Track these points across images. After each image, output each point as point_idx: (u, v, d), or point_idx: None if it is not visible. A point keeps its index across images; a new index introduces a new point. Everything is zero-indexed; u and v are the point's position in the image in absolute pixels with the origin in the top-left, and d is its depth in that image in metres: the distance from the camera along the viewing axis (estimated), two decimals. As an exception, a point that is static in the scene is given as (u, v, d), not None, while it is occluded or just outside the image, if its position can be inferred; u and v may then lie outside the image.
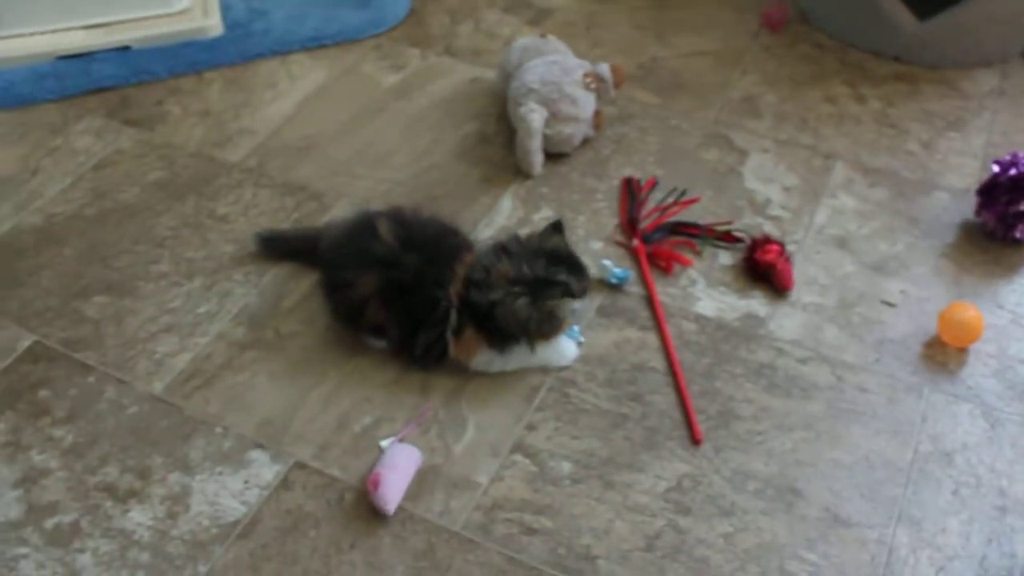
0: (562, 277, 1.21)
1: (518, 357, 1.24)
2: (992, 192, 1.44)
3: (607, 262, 1.38)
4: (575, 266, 1.22)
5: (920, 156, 1.62)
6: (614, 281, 1.37)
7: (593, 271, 1.34)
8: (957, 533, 1.11)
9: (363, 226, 1.26)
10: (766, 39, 1.89)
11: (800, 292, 1.38)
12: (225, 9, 1.91)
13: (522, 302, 1.18)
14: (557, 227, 1.25)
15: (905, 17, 1.81)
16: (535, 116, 1.51)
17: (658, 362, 1.29)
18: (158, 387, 1.26)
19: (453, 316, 1.20)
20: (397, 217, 1.27)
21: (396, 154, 1.61)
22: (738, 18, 1.95)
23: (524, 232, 1.28)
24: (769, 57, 1.84)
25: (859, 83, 1.78)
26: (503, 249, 1.22)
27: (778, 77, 1.79)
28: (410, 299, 1.21)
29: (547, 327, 1.21)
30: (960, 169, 1.58)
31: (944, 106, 1.74)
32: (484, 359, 1.24)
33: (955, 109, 1.73)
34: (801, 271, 1.40)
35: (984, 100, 1.76)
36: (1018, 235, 1.44)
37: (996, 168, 1.45)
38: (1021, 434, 1.21)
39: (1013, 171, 1.43)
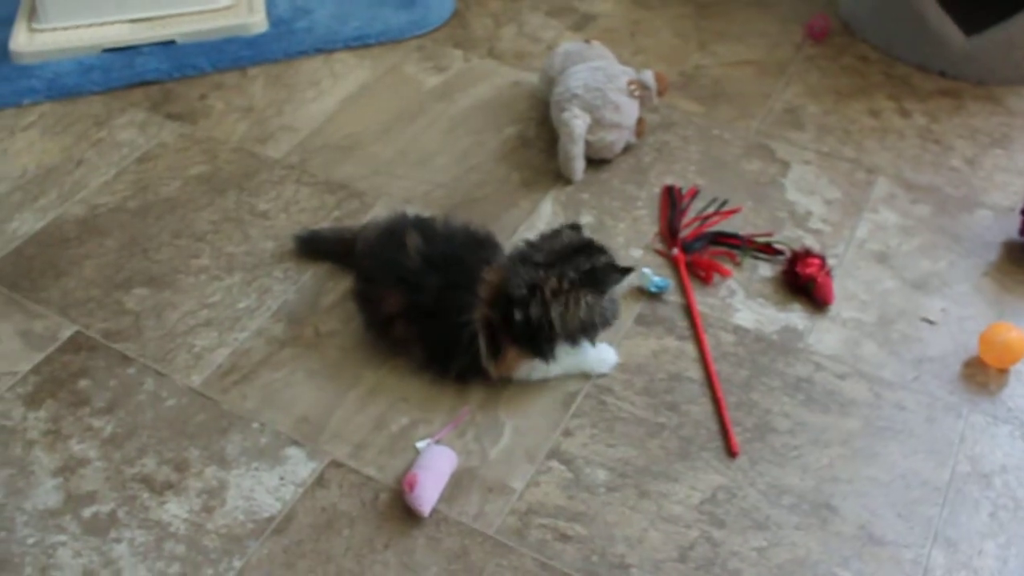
0: (604, 259, 1.21)
1: (562, 364, 1.24)
2: (1036, 212, 1.43)
3: (647, 270, 1.37)
4: (601, 249, 1.22)
5: (964, 173, 1.61)
6: (653, 290, 1.36)
7: (632, 279, 1.33)
8: (994, 556, 1.10)
9: (394, 236, 1.26)
10: (810, 50, 1.88)
11: (840, 307, 1.37)
12: (270, 6, 1.92)
13: (588, 301, 1.18)
14: (575, 227, 1.25)
15: (952, 31, 1.79)
16: (578, 122, 1.51)
17: (695, 372, 1.28)
18: (196, 380, 1.27)
19: (482, 342, 1.19)
20: (427, 228, 1.27)
21: (437, 155, 1.61)
22: (781, 28, 1.94)
23: (533, 236, 1.27)
24: (812, 68, 1.83)
25: (904, 97, 1.77)
26: (530, 259, 1.20)
27: (821, 89, 1.78)
28: (434, 323, 1.21)
29: (612, 313, 1.21)
30: (1005, 187, 1.57)
31: (990, 123, 1.72)
32: (527, 369, 1.24)
33: (1001, 126, 1.72)
34: (841, 286, 1.40)
35: (1030, 118, 1.74)
36: (1062, 256, 1.42)
37: (1042, 188, 1.43)
38: (1061, 458, 1.20)
39: (1059, 191, 1.41)
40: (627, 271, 1.21)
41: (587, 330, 1.20)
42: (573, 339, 1.19)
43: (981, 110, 1.75)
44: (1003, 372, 1.30)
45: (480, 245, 1.27)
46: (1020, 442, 1.22)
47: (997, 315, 1.37)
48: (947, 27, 1.79)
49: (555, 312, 1.17)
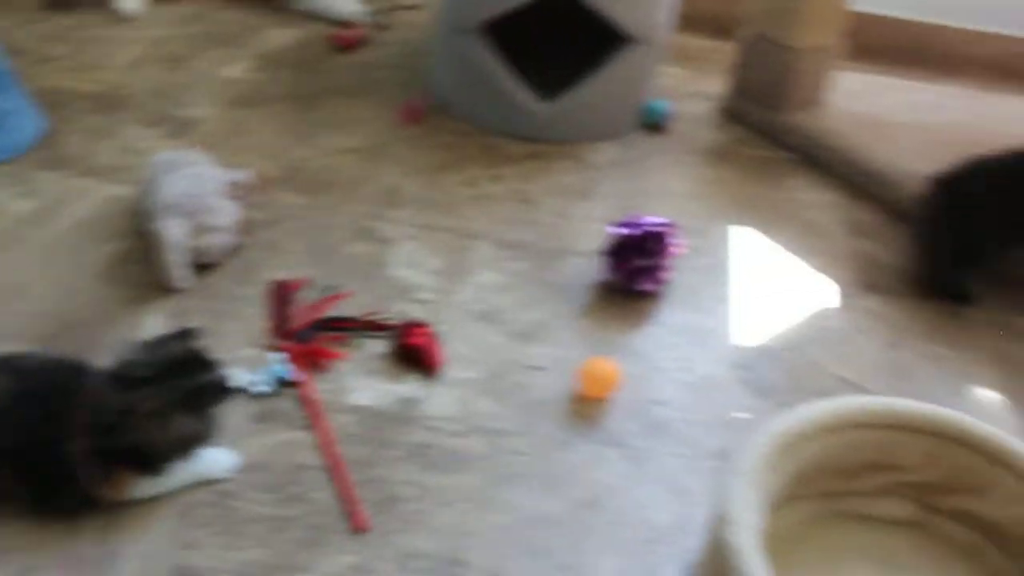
0: (208, 376, 1.19)
1: (177, 476, 1.21)
2: (615, 252, 1.56)
3: (264, 368, 1.38)
4: (207, 362, 1.21)
5: (555, 226, 1.73)
6: (265, 389, 1.36)
7: (241, 379, 1.33)
8: (614, 571, 1.17)
9: None
10: (407, 132, 1.97)
11: (451, 369, 1.43)
12: None
13: (185, 421, 1.16)
14: (184, 335, 1.23)
15: (532, 101, 1.94)
16: (172, 231, 1.50)
17: (319, 459, 1.29)
18: None
19: (86, 471, 1.15)
20: (15, 366, 1.21)
21: (33, 285, 1.54)
22: (379, 114, 2.02)
23: (137, 349, 1.24)
24: (411, 148, 1.92)
25: (497, 165, 1.89)
26: (129, 377, 1.17)
27: (420, 166, 1.87)
28: (33, 462, 1.15)
29: (209, 428, 1.20)
30: (590, 235, 1.70)
31: (574, 179, 1.87)
32: (141, 488, 1.20)
33: (584, 180, 1.87)
34: (451, 349, 1.45)
35: (607, 170, 1.91)
36: (643, 287, 1.56)
37: (617, 230, 1.57)
38: (660, 467, 1.31)
39: (630, 231, 1.55)
40: (230, 390, 1.21)
41: (187, 447, 1.18)
42: (172, 458, 1.17)
43: (566, 168, 1.90)
44: (604, 401, 1.40)
45: (75, 372, 1.22)
46: (625, 462, 1.31)
47: (595, 351, 1.47)
48: (526, 98, 1.93)
49: (150, 435, 1.14)
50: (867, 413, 1.17)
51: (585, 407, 1.39)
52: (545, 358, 1.46)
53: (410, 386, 1.40)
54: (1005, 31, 2.52)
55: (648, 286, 1.57)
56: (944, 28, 2.53)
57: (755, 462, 1.07)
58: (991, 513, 1.20)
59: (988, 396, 1.52)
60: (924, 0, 2.50)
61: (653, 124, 2.06)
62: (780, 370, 1.50)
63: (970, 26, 2.52)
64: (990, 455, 1.18)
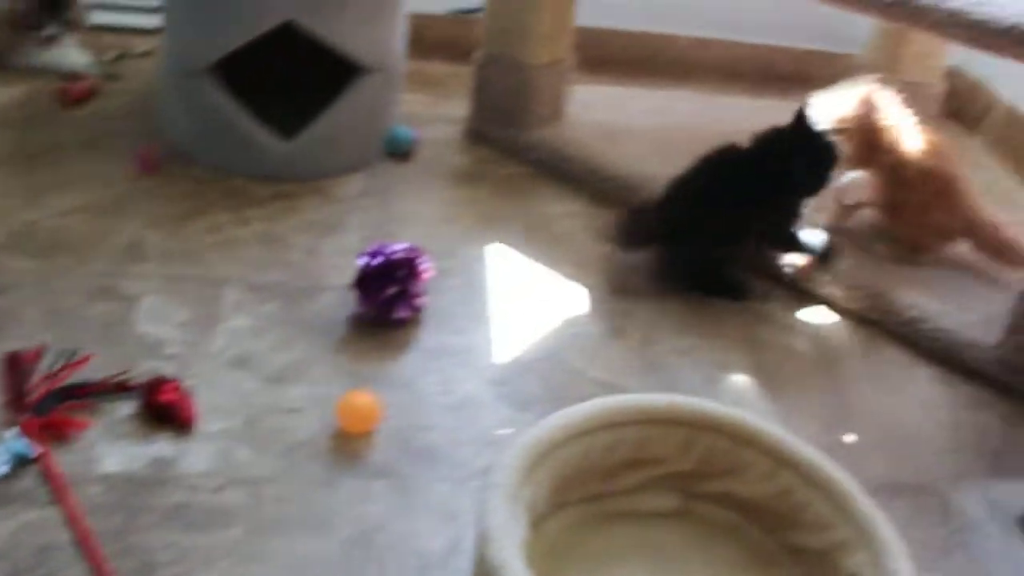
0: None
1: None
2: (365, 283, 1.55)
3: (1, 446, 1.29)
4: None
5: (305, 264, 1.70)
6: (3, 469, 1.28)
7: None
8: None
9: None
10: (145, 182, 1.90)
11: (206, 422, 1.38)
12: None
13: None
14: None
15: (272, 140, 1.91)
16: None
17: (67, 536, 1.21)
18: None
19: None
20: None
21: None
22: (114, 167, 1.93)
23: None
24: (151, 199, 1.85)
25: (242, 208, 1.84)
26: None
27: (162, 217, 1.80)
28: None
29: None
30: (342, 269, 1.67)
31: (321, 214, 1.84)
32: None
33: (332, 215, 1.85)
34: (205, 401, 1.40)
35: (355, 202, 1.90)
36: (395, 316, 1.55)
37: (363, 261, 1.56)
38: (429, 493, 1.30)
39: (377, 261, 1.54)
40: None
41: None
42: None
43: (313, 204, 1.87)
44: (368, 434, 1.38)
45: None
46: (392, 494, 1.30)
47: (353, 385, 1.45)
48: (266, 137, 1.90)
49: None
50: (617, 412, 1.20)
51: (348, 443, 1.37)
52: (303, 399, 1.43)
53: (162, 445, 1.34)
54: (728, 37, 2.67)
55: (403, 313, 1.56)
56: (673, 37, 2.66)
57: (509, 476, 1.07)
58: (746, 492, 1.24)
59: (741, 380, 1.59)
60: (652, 12, 2.61)
61: (399, 152, 2.06)
62: (539, 381, 1.52)
63: (696, 34, 2.65)
64: (737, 437, 1.23)
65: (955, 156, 1.92)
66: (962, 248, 1.91)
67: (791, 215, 1.74)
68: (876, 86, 1.83)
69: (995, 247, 1.86)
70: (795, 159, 1.68)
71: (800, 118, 1.69)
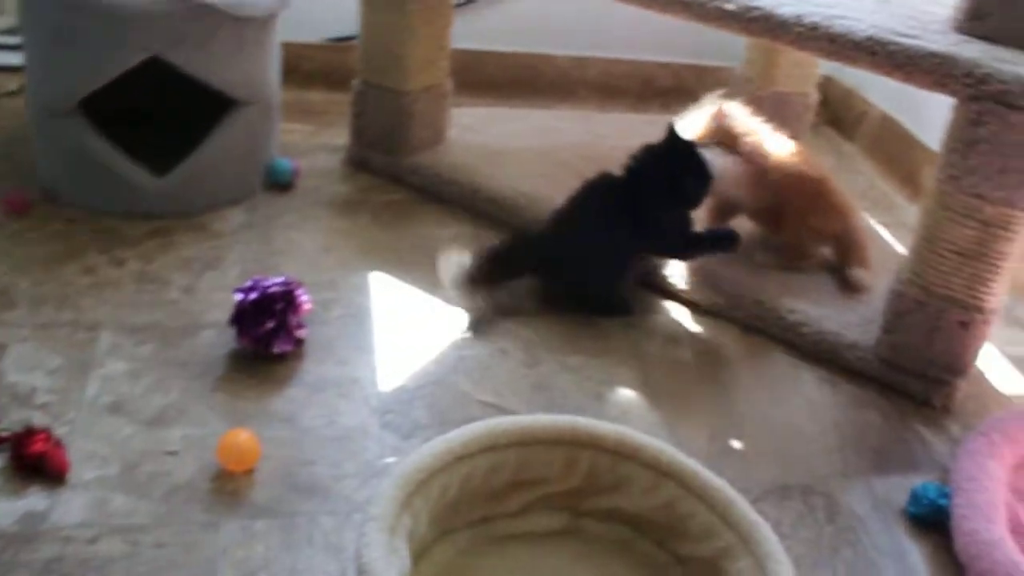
0: None
1: None
2: (242, 319, 1.52)
3: None
4: None
5: (183, 302, 1.66)
6: None
7: None
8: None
9: None
10: (13, 225, 1.84)
11: (80, 471, 1.33)
12: None
13: None
14: None
15: (144, 177, 1.86)
16: None
17: (-69, 599, 1.16)
18: None
19: None
20: None
21: None
22: (-20, 213, 1.87)
23: None
24: (18, 244, 1.79)
25: (115, 248, 1.79)
26: None
27: (30, 261, 1.74)
28: None
29: None
30: (221, 305, 1.64)
31: (200, 250, 1.81)
32: None
33: (210, 250, 1.81)
34: (78, 449, 1.36)
35: (235, 236, 1.86)
36: (277, 350, 1.52)
37: (239, 296, 1.53)
38: (313, 529, 1.28)
39: (254, 295, 1.52)
40: None
41: None
42: None
43: (191, 240, 1.83)
44: (249, 473, 1.35)
45: None
46: (276, 532, 1.27)
47: (234, 423, 1.42)
48: (139, 175, 1.86)
49: None
50: (497, 435, 1.20)
51: (229, 483, 1.33)
52: (181, 441, 1.39)
53: (34, 498, 1.29)
54: (607, 55, 2.70)
55: (283, 347, 1.53)
56: (551, 56, 2.68)
57: (386, 507, 1.06)
58: (632, 506, 1.25)
59: (628, 395, 1.60)
60: (530, 32, 2.63)
61: (279, 183, 2.03)
62: (425, 407, 1.50)
63: (574, 53, 2.68)
64: (618, 452, 1.23)
65: (819, 160, 1.96)
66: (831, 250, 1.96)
67: (679, 227, 1.76)
68: (723, 100, 1.86)
69: (861, 248, 1.92)
70: (671, 174, 1.70)
71: (671, 133, 1.72)
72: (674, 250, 1.81)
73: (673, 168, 1.71)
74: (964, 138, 1.49)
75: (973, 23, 1.56)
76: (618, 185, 1.74)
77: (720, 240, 1.81)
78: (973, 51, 1.50)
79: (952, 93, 1.50)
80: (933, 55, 1.49)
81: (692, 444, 1.52)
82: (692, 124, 1.85)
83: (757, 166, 1.84)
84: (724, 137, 1.84)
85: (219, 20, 1.77)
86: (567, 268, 1.75)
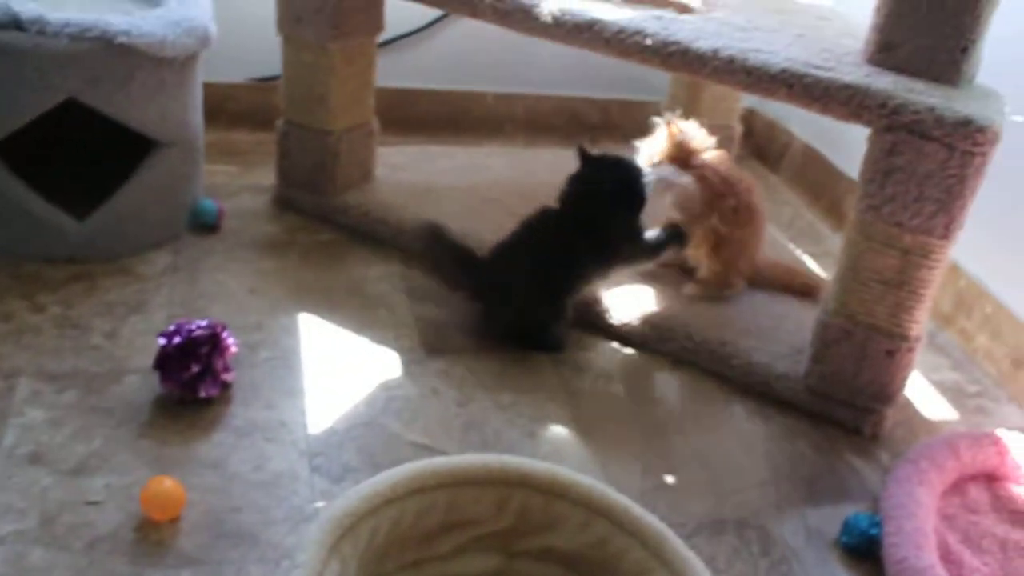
0: None
1: None
2: (166, 364, 1.49)
3: None
4: None
5: (106, 348, 1.63)
6: None
7: None
8: None
9: None
10: (-71, 275, 1.79)
11: (-3, 525, 1.29)
12: None
13: None
14: None
15: (65, 221, 1.82)
16: None
17: None
18: None
19: None
20: None
21: None
22: None
23: None
24: (-67, 292, 1.74)
25: (36, 293, 1.75)
26: None
27: (-55, 310, 1.69)
28: None
29: None
30: (146, 350, 1.61)
31: (124, 294, 1.77)
32: None
33: (135, 293, 1.77)
34: (-5, 503, 1.32)
35: (161, 278, 1.83)
36: (203, 394, 1.49)
37: (163, 341, 1.50)
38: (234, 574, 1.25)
39: (178, 339, 1.49)
40: None
41: None
42: None
43: (114, 284, 1.80)
44: (174, 521, 1.31)
45: None
46: (202, 584, 1.24)
47: (159, 470, 1.39)
48: (59, 218, 1.82)
49: None
50: (426, 477, 1.18)
51: (153, 532, 1.30)
52: (104, 490, 1.36)
53: (-55, 556, 1.25)
54: (532, 91, 2.71)
55: (209, 392, 1.51)
56: (479, 94, 2.68)
57: (314, 553, 1.03)
58: (565, 545, 1.24)
59: (560, 432, 1.59)
60: (457, 70, 2.64)
61: (204, 225, 2.01)
62: (356, 450, 1.49)
63: (501, 90, 2.69)
64: (549, 491, 1.22)
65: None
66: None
67: (631, 232, 1.77)
68: (679, 120, 1.89)
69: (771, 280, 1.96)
70: (602, 187, 1.72)
71: (584, 156, 1.73)
72: (634, 255, 1.82)
73: (602, 179, 1.72)
74: (880, 168, 1.52)
75: (884, 55, 1.60)
76: (559, 214, 1.74)
77: (673, 237, 1.84)
78: (886, 82, 1.53)
79: (867, 123, 1.52)
80: (847, 87, 1.52)
81: (625, 480, 1.51)
82: (649, 144, 1.86)
83: (708, 187, 1.86)
84: (680, 155, 1.86)
85: (138, 61, 1.74)
86: (508, 297, 1.75)
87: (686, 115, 2.29)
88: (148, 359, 1.57)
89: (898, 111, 1.48)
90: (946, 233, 1.51)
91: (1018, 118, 1.74)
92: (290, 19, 1.96)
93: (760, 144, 2.85)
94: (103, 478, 1.38)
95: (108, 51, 1.71)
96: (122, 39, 1.70)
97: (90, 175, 1.90)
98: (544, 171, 2.28)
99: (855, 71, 1.57)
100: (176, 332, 1.50)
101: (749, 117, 2.77)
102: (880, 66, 1.60)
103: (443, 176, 2.27)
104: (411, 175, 2.24)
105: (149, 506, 1.31)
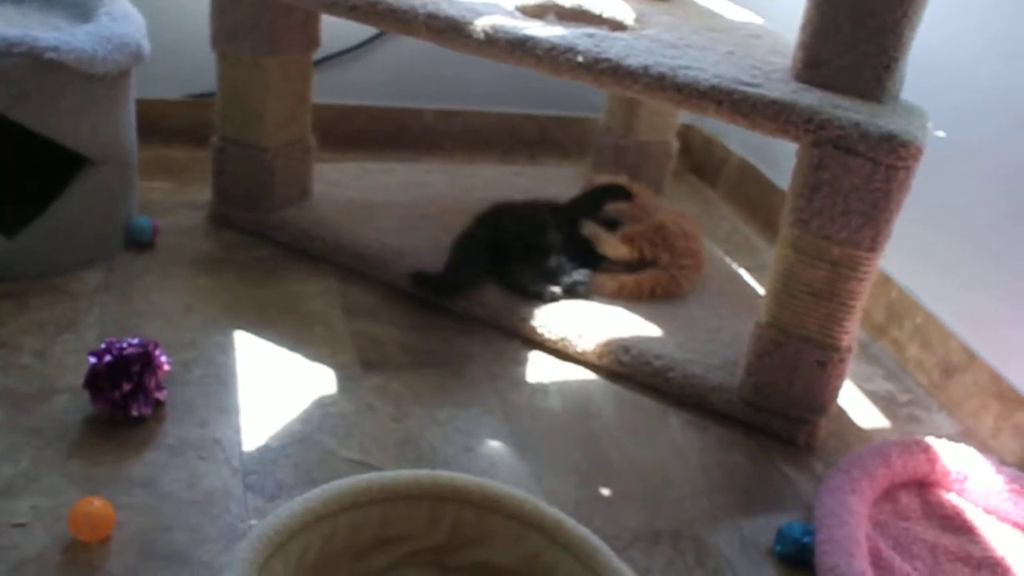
0: None
1: None
2: (97, 382, 1.47)
3: None
4: None
5: (35, 367, 1.60)
6: None
7: None
8: None
9: None
10: None
11: (-81, 549, 1.26)
12: None
13: None
14: None
15: (-7, 238, 1.79)
16: None
17: None
18: None
19: None
20: None
21: None
22: None
23: None
24: None
25: (-35, 313, 1.72)
26: None
27: None
28: None
29: None
30: (76, 369, 1.59)
31: (55, 312, 1.75)
32: None
33: (67, 312, 1.75)
34: (-83, 527, 1.29)
35: (93, 297, 1.81)
36: (135, 413, 1.48)
37: (93, 359, 1.48)
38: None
39: (108, 358, 1.47)
40: None
41: None
42: None
43: (45, 302, 1.77)
44: (105, 542, 1.30)
45: None
46: (131, 605, 1.22)
47: (89, 490, 1.37)
48: (-11, 234, 1.79)
49: None
50: (357, 493, 1.18)
51: (83, 555, 1.28)
52: (31, 512, 1.34)
53: None
54: (471, 107, 2.72)
55: (141, 410, 1.49)
56: (418, 110, 2.69)
57: (244, 570, 1.03)
58: (498, 559, 1.24)
59: (495, 447, 1.60)
60: (395, 87, 2.64)
61: (139, 242, 1.99)
62: (290, 467, 1.48)
63: (440, 106, 2.70)
64: (481, 505, 1.23)
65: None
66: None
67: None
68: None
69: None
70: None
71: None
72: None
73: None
74: (808, 182, 1.55)
75: (811, 72, 1.63)
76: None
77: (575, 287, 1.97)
78: (812, 99, 1.56)
79: (794, 139, 1.55)
80: (774, 103, 1.55)
81: (561, 493, 1.52)
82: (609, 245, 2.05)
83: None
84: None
85: (67, 77, 1.72)
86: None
87: (623, 132, 2.34)
88: (78, 378, 1.55)
89: (824, 126, 1.51)
90: (873, 245, 1.54)
91: (941, 133, 1.79)
92: (225, 35, 1.95)
93: (697, 159, 2.88)
94: (30, 499, 1.36)
95: (36, 67, 1.69)
96: (51, 55, 1.68)
97: (20, 192, 1.87)
98: (482, 187, 2.30)
99: (783, 87, 1.60)
100: (107, 350, 1.48)
101: (686, 133, 2.80)
102: (807, 83, 1.63)
103: (381, 192, 2.27)
104: (349, 191, 2.24)
105: (77, 527, 1.29)
